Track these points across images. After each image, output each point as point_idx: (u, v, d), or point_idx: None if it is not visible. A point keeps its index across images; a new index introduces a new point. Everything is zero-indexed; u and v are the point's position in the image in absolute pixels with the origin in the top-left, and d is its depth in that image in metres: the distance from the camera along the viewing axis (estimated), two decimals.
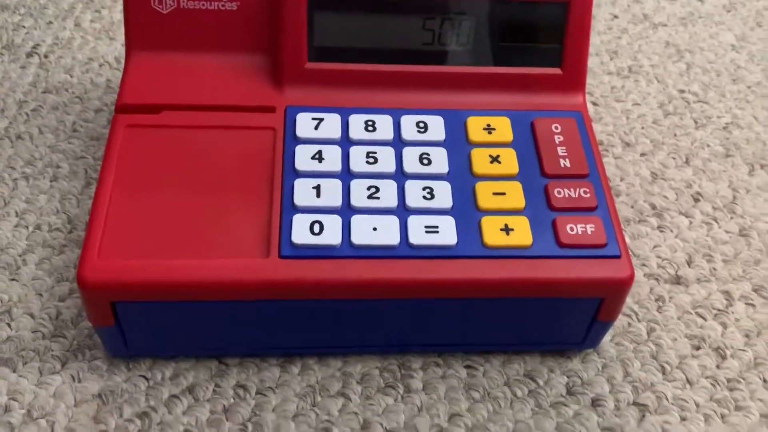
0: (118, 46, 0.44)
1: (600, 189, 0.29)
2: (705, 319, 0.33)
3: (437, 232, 0.28)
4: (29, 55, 0.43)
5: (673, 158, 0.40)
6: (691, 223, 0.37)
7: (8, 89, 0.41)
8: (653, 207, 0.38)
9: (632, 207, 0.38)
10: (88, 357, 0.29)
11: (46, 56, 0.43)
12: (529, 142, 0.31)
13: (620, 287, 0.28)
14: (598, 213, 0.29)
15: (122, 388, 0.29)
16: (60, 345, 0.30)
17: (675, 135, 0.42)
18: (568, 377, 0.30)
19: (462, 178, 0.29)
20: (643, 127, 0.42)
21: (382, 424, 0.28)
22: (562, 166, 0.30)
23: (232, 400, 0.28)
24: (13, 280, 0.32)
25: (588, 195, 0.29)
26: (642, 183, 0.39)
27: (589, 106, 0.43)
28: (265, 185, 0.29)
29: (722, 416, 0.29)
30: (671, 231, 0.36)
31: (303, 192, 0.28)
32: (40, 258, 0.33)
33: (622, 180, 0.39)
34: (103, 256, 0.26)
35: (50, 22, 0.46)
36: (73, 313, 0.31)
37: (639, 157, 0.40)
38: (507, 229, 0.28)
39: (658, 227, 0.37)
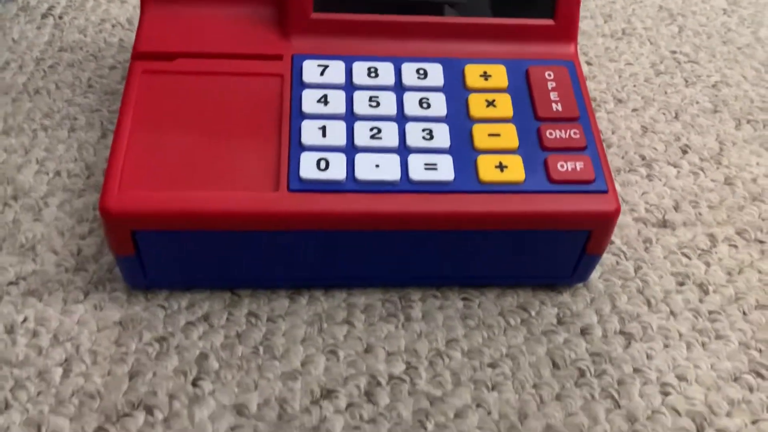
0: (130, 9, 0.46)
1: (589, 131, 0.31)
2: (690, 259, 0.35)
3: (436, 169, 0.29)
4: (44, 16, 0.45)
5: (663, 113, 0.42)
6: (678, 172, 0.39)
7: (25, 48, 0.43)
8: (643, 158, 0.39)
9: (623, 158, 0.39)
10: (108, 289, 0.31)
11: (60, 17, 0.45)
12: (524, 88, 0.32)
13: (607, 220, 0.29)
14: (587, 152, 0.30)
15: (141, 316, 0.31)
16: (82, 278, 0.32)
17: (665, 92, 0.44)
18: (558, 309, 0.32)
19: (459, 120, 0.31)
20: (635, 85, 0.44)
21: (384, 348, 0.30)
22: (554, 109, 0.32)
23: (244, 327, 0.30)
24: (36, 220, 0.34)
25: (578, 136, 0.31)
26: (633, 136, 0.41)
27: (584, 66, 0.45)
28: (274, 126, 0.30)
29: (703, 344, 0.31)
30: (659, 180, 0.38)
31: (310, 132, 0.30)
32: (60, 201, 0.35)
33: (613, 133, 0.41)
34: (124, 188, 0.28)
35: None
36: (94, 250, 0.33)
37: (630, 112, 0.42)
38: (501, 167, 0.30)
39: (647, 176, 0.38)
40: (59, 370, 0.29)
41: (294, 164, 0.29)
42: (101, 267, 0.32)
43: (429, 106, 0.31)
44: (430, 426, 0.28)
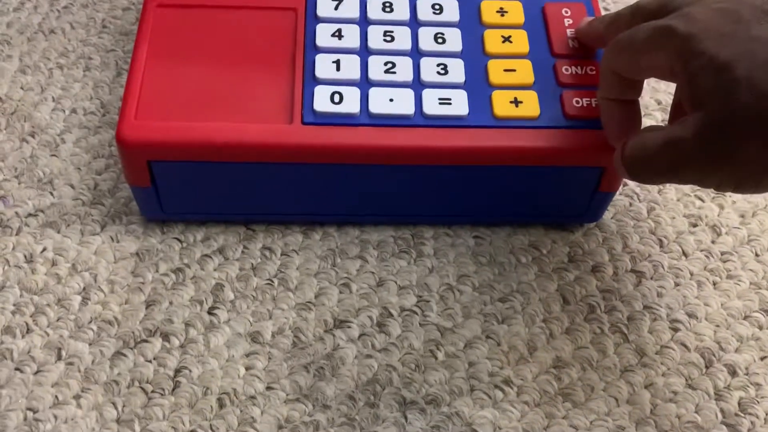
0: None
1: None
2: (703, 201, 0.34)
3: (450, 103, 0.29)
4: None
5: None
6: None
7: None
8: (659, 102, 0.39)
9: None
10: (124, 222, 0.32)
11: None
12: (540, 25, 0.32)
13: None
14: None
15: (157, 248, 0.31)
16: (99, 211, 0.32)
17: None
18: (570, 248, 0.32)
19: (475, 56, 0.31)
20: None
21: (396, 282, 0.30)
22: (571, 46, 0.31)
23: (259, 260, 0.31)
24: (53, 155, 0.34)
25: (594, 72, 0.31)
26: (648, 81, 0.40)
27: (602, 12, 0.44)
28: (288, 60, 0.30)
29: (714, 283, 0.31)
30: None
31: (324, 66, 0.30)
32: (77, 137, 0.35)
33: None
34: (140, 118, 0.28)
35: None
36: (110, 185, 0.33)
37: None
38: (516, 102, 0.30)
39: (662, 121, 0.38)
40: (78, 298, 0.29)
41: (308, 97, 0.29)
42: (117, 201, 0.33)
43: (444, 41, 0.31)
44: (440, 355, 0.28)
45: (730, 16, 0.23)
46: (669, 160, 0.24)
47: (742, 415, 0.28)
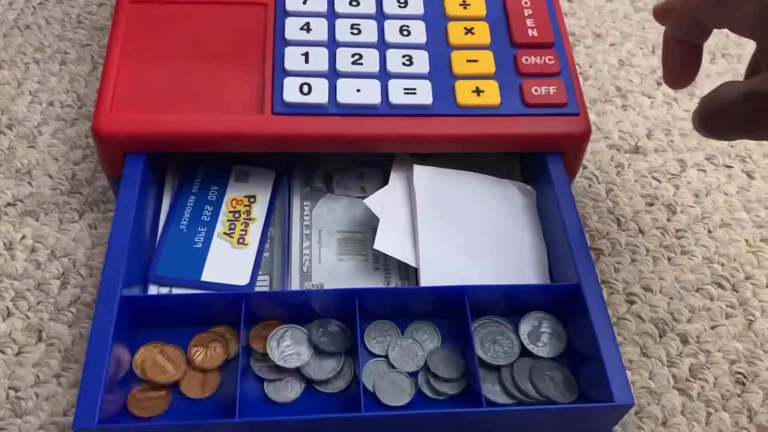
0: None
1: (563, 56, 0.32)
2: (659, 182, 0.36)
3: (415, 93, 0.31)
4: None
5: (641, 48, 0.43)
6: (652, 103, 0.40)
7: None
8: (618, 89, 0.41)
9: (599, 89, 0.41)
10: (102, 210, 0.33)
11: None
12: (501, 17, 0.33)
13: (579, 140, 0.31)
14: (560, 77, 0.32)
15: None
16: (77, 200, 0.33)
17: (644, 28, 0.44)
18: None
19: (439, 47, 0.32)
20: (614, 21, 0.45)
21: None
22: (530, 35, 0.33)
23: None
24: (31, 147, 0.35)
25: (552, 62, 0.32)
26: (609, 69, 0.42)
27: (564, 3, 0.46)
28: (259, 53, 0.31)
29: (669, 258, 0.33)
30: (634, 109, 0.40)
31: (293, 58, 0.31)
32: (54, 129, 0.36)
33: (591, 66, 0.42)
34: (116, 111, 0.29)
35: None
36: (87, 175, 0.34)
37: (608, 47, 0.43)
38: (478, 91, 0.31)
39: (622, 106, 0.40)
40: (57, 282, 0.30)
41: (278, 89, 0.30)
42: (95, 190, 0.33)
43: (409, 33, 0.32)
44: None
45: None
46: (746, 113, 0.24)
47: (693, 380, 0.30)
